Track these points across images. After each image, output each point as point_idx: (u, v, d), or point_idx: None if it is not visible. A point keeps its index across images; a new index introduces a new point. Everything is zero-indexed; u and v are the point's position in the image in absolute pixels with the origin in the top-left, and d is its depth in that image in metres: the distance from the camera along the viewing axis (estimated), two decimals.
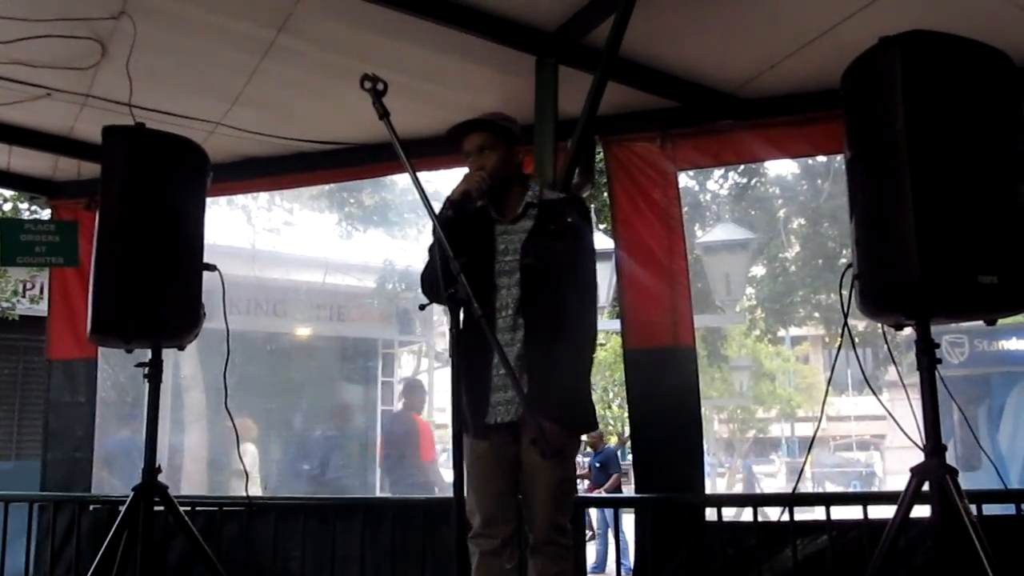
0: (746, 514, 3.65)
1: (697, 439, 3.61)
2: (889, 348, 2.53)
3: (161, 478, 2.92)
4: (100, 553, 2.81)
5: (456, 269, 2.04)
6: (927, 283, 2.13)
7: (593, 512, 9.32)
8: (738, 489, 19.04)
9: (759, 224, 13.17)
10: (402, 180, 10.10)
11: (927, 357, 2.29)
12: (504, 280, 2.58)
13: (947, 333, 10.26)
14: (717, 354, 17.41)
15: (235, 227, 11.78)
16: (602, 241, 4.72)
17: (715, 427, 20.90)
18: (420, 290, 2.56)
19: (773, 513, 3.39)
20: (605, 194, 4.18)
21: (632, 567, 3.63)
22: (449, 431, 2.13)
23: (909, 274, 2.13)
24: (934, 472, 2.22)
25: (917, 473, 2.26)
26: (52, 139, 4.17)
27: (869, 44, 2.27)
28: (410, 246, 13.64)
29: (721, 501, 3.91)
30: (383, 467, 9.39)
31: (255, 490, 7.92)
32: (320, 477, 9.06)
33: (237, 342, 3.21)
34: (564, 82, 3.26)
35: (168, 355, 3.03)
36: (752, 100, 3.63)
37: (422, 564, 3.63)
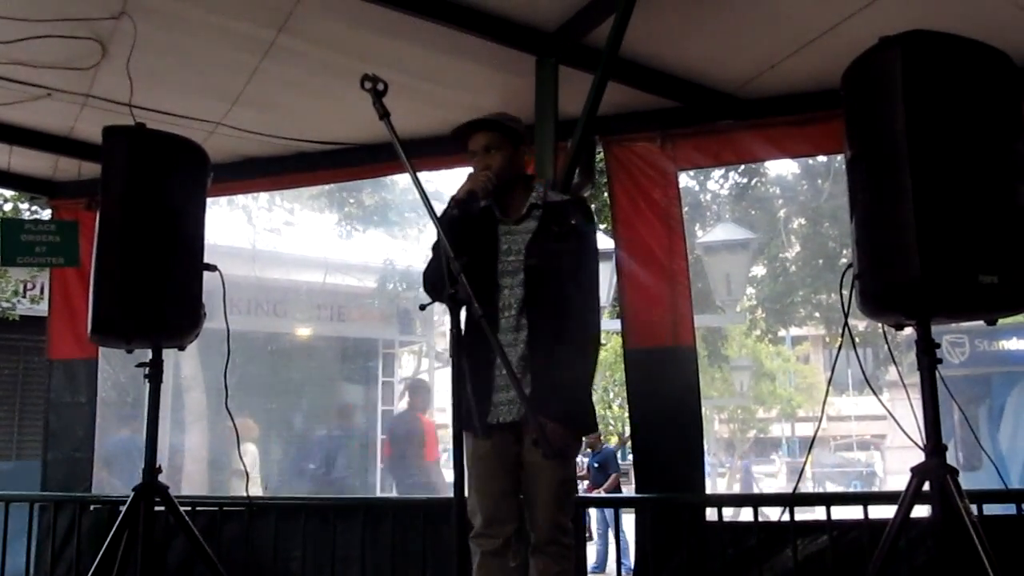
0: (745, 514, 3.65)
1: (697, 439, 3.61)
2: (889, 348, 2.53)
3: (162, 478, 2.92)
4: (100, 553, 2.81)
5: (456, 269, 2.04)
6: (927, 283, 2.13)
7: (593, 512, 9.32)
8: (736, 489, 19.03)
9: (759, 224, 13.16)
10: (402, 180, 10.09)
11: (927, 357, 2.29)
12: (507, 280, 2.58)
13: (947, 333, 10.26)
14: (717, 354, 17.40)
15: (235, 227, 11.80)
16: (602, 241, 4.71)
17: (715, 427, 20.90)
18: (422, 289, 2.56)
19: (773, 513, 3.39)
20: (605, 194, 4.18)
21: (632, 567, 3.63)
22: (450, 431, 2.13)
23: (909, 274, 2.13)
24: (935, 472, 2.22)
25: (917, 473, 2.26)
26: (52, 139, 4.17)
27: (869, 44, 2.27)
28: (411, 246, 13.66)
29: (721, 501, 3.91)
30: (387, 467, 9.38)
31: (255, 490, 7.92)
32: (326, 477, 9.06)
33: (237, 342, 3.22)
34: (564, 82, 3.26)
35: (168, 355, 3.03)
36: (752, 100, 3.63)
37: (423, 564, 3.63)
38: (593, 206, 3.91)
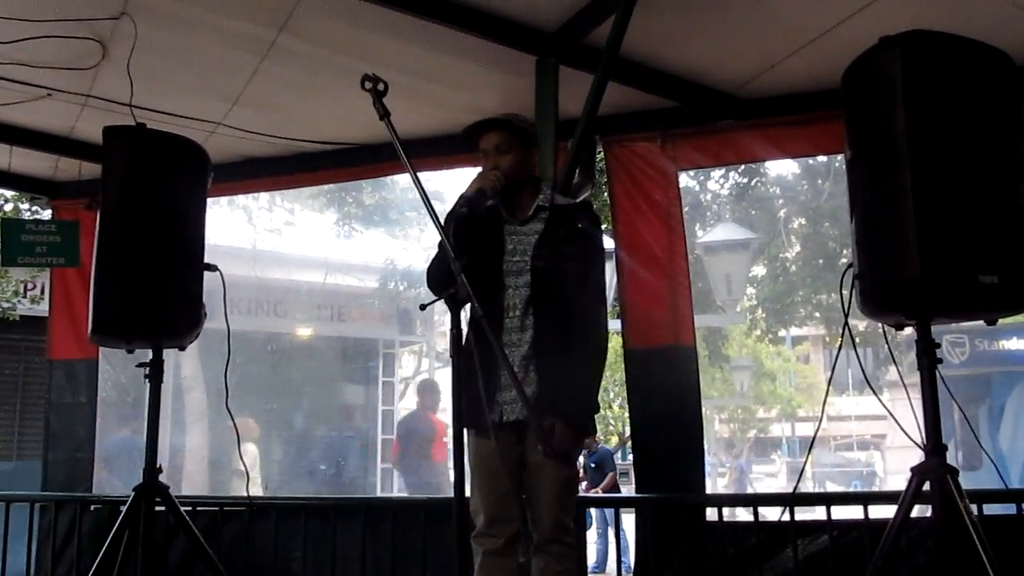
0: (743, 514, 3.65)
1: (698, 439, 3.61)
2: (889, 348, 2.53)
3: (162, 478, 2.92)
4: (101, 553, 2.81)
5: (457, 270, 2.04)
6: (928, 283, 2.13)
7: (593, 512, 9.32)
8: (729, 490, 19.03)
9: (760, 224, 13.15)
10: (402, 179, 10.09)
11: (928, 357, 2.30)
12: (512, 280, 2.59)
13: (948, 333, 10.26)
14: (718, 354, 17.39)
15: (236, 227, 11.82)
16: (604, 241, 4.72)
17: (716, 427, 20.90)
18: (426, 285, 2.56)
19: (774, 513, 3.39)
20: (605, 194, 4.18)
21: (632, 566, 3.63)
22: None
23: (910, 274, 2.14)
24: (935, 472, 2.22)
25: (918, 473, 2.26)
26: (53, 139, 4.17)
27: (869, 44, 2.27)
28: (411, 245, 13.68)
29: (721, 501, 3.92)
30: (398, 467, 9.37)
31: (256, 490, 7.93)
32: (336, 478, 9.05)
33: (238, 342, 3.22)
34: (564, 82, 3.26)
35: (169, 355, 3.03)
36: (752, 100, 3.63)
37: (423, 564, 3.63)
38: (593, 206, 3.91)
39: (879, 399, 3.50)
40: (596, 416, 2.63)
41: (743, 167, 11.04)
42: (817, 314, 15.92)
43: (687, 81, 3.57)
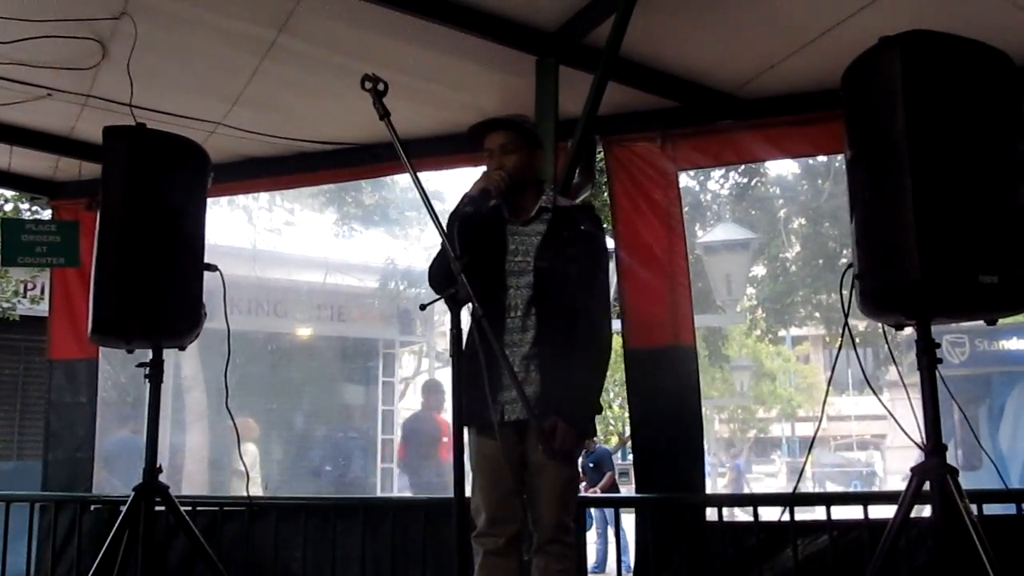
0: (743, 514, 3.65)
1: (698, 439, 3.61)
2: (889, 348, 2.53)
3: (162, 478, 2.92)
4: (101, 553, 2.81)
5: (457, 270, 2.04)
6: (928, 283, 2.13)
7: (593, 511, 9.32)
8: (728, 490, 19.03)
9: (760, 224, 13.15)
10: (402, 179, 10.09)
11: (927, 357, 2.29)
12: (514, 280, 2.59)
13: (948, 333, 10.26)
14: (718, 354, 17.38)
15: (236, 227, 11.82)
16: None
17: (716, 427, 20.88)
18: (428, 283, 2.55)
19: (774, 513, 3.39)
20: (605, 194, 4.18)
21: (632, 566, 3.63)
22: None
23: (910, 274, 2.13)
24: (935, 472, 2.22)
25: (918, 473, 2.26)
26: (53, 139, 4.17)
27: (869, 44, 2.27)
28: (411, 245, 13.67)
29: (721, 501, 3.92)
30: (403, 467, 9.37)
31: (256, 490, 7.93)
32: (342, 479, 9.03)
33: (238, 342, 3.22)
34: (564, 82, 3.26)
35: (169, 355, 3.04)
36: (752, 100, 3.63)
37: (423, 564, 3.63)
38: (594, 206, 3.91)
39: (879, 399, 3.50)
40: (596, 416, 2.63)
41: (743, 167, 11.03)
42: (817, 314, 15.91)
43: (687, 81, 3.57)
